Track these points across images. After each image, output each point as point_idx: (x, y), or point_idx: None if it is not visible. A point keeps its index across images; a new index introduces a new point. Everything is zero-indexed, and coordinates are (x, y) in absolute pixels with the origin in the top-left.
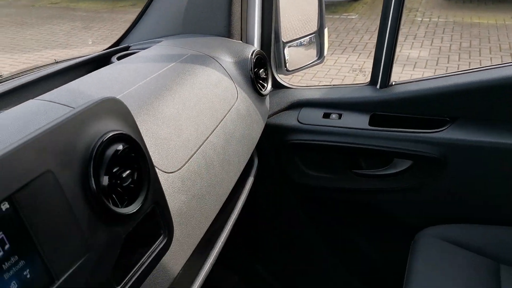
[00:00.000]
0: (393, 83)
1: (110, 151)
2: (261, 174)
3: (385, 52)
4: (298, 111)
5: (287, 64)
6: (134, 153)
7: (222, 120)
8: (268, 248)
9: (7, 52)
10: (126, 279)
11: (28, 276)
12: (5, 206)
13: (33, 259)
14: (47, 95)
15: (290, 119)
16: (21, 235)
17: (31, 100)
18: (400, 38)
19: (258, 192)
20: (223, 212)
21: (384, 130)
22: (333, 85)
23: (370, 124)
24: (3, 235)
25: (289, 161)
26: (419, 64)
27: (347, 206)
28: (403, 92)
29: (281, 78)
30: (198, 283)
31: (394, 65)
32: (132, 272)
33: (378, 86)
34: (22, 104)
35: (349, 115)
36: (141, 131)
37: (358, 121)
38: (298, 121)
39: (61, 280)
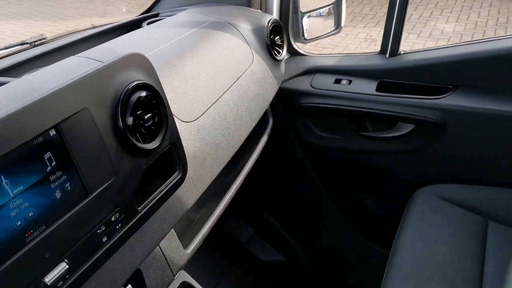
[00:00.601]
0: (402, 52)
1: (135, 96)
2: (275, 134)
3: (395, 23)
4: (311, 76)
5: (305, 34)
6: (155, 100)
7: (237, 80)
8: (280, 202)
9: (48, 20)
10: (146, 202)
11: (69, 188)
12: (53, 132)
13: (73, 175)
14: (85, 53)
15: (303, 84)
16: (64, 156)
17: (72, 56)
18: (436, 12)
19: (272, 150)
20: (237, 165)
21: (390, 95)
22: (345, 53)
23: (377, 90)
24: (50, 154)
25: (302, 123)
26: (453, 39)
27: (353, 165)
28: (410, 61)
29: (298, 46)
30: (209, 225)
31: (426, 38)
32: (151, 197)
33: (387, 55)
34: (64, 59)
35: (358, 82)
36: (163, 85)
37: (367, 87)
38: (311, 86)
39: (93, 195)
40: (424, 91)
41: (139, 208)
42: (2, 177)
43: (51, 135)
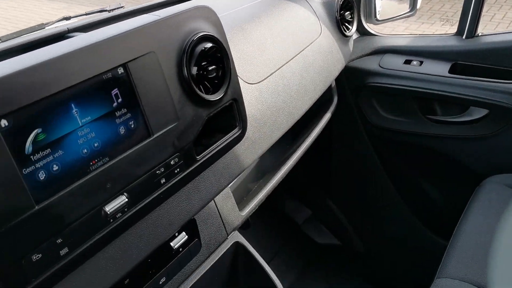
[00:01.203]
0: (479, 34)
1: (200, 47)
2: (338, 113)
3: (474, 2)
4: (380, 57)
5: (377, 14)
6: (220, 53)
7: (303, 50)
8: (339, 186)
9: None
10: (204, 153)
11: (132, 126)
12: (121, 70)
13: (137, 114)
14: (157, 12)
15: (372, 63)
16: (130, 94)
17: (145, 14)
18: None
19: (334, 130)
20: (298, 140)
21: (464, 78)
22: (418, 34)
23: (450, 72)
24: (117, 91)
25: (367, 103)
26: None
27: (418, 150)
28: (487, 43)
29: (369, 26)
30: (264, 192)
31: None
32: (209, 149)
33: (464, 37)
34: (139, 16)
35: (430, 63)
36: (229, 46)
37: (439, 68)
38: (380, 65)
39: (155, 136)
40: (501, 75)
41: (198, 157)
42: (72, 105)
43: (119, 73)
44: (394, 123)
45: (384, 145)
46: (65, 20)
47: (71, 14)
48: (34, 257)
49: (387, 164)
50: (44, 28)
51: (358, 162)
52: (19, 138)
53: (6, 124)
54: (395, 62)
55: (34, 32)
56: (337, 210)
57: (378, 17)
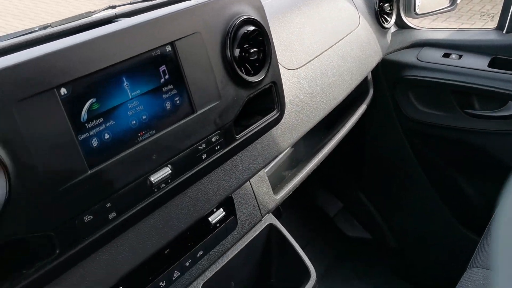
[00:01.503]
0: None
1: (243, 30)
2: (374, 105)
3: None
4: (418, 50)
5: (417, 8)
6: (261, 37)
7: (341, 40)
8: (372, 179)
9: None
10: (244, 133)
11: (178, 102)
12: (169, 48)
13: (182, 91)
14: None
15: (409, 56)
16: (176, 71)
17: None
18: None
19: (369, 121)
20: (331, 130)
21: (504, 72)
22: (458, 28)
23: (489, 66)
24: (165, 68)
25: (403, 96)
26: None
27: (454, 144)
28: None
29: (408, 20)
30: (299, 178)
31: None
32: (248, 129)
33: (504, 31)
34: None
35: (469, 56)
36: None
37: (478, 62)
38: (418, 58)
39: (198, 112)
40: None
41: (237, 136)
42: (124, 78)
43: (167, 50)
44: (430, 117)
45: (419, 139)
46: (111, 9)
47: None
48: (86, 218)
49: (421, 158)
50: (91, 15)
51: (392, 155)
52: (76, 106)
53: (65, 92)
54: (434, 55)
55: (82, 19)
56: (369, 203)
57: (417, 11)
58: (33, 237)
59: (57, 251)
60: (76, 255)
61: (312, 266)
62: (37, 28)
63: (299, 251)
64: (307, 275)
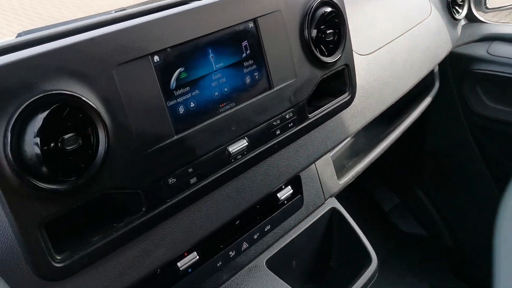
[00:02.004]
0: None
1: (321, 11)
2: (439, 99)
3: None
4: (489, 44)
5: (487, 2)
6: (337, 19)
7: (412, 28)
8: (431, 173)
9: None
10: (316, 112)
11: (257, 77)
12: (251, 24)
13: (261, 67)
14: None
15: (479, 50)
16: (257, 47)
17: None
18: None
19: (432, 114)
20: (394, 121)
21: None
22: None
23: None
24: (247, 43)
25: (471, 90)
26: None
27: None
28: None
29: (478, 13)
30: (362, 166)
31: None
32: (320, 109)
33: None
34: None
35: None
36: None
37: None
38: (488, 52)
39: (275, 89)
40: None
41: (309, 115)
42: (210, 50)
43: (249, 26)
44: (499, 113)
45: (486, 135)
46: None
47: None
48: (170, 181)
49: (486, 156)
50: None
51: (454, 151)
52: (167, 74)
53: (158, 60)
54: (505, 50)
55: (156, 2)
56: (427, 199)
57: (488, 5)
58: (124, 193)
59: (144, 209)
60: (159, 215)
61: (373, 252)
62: (113, 11)
63: (361, 236)
64: (368, 260)
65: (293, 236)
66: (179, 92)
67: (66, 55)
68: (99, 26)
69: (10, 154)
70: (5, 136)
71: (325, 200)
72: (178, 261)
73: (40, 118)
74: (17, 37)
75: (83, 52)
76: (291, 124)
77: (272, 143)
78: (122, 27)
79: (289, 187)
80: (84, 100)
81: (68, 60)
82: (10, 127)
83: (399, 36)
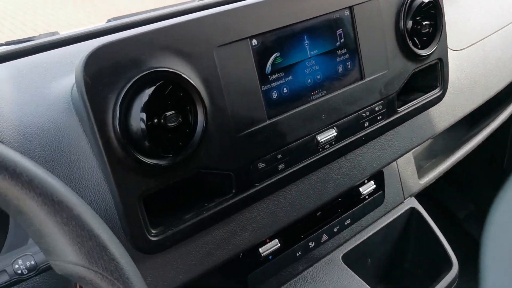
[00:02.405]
0: None
1: (418, 1)
2: None
3: None
4: None
5: None
6: (434, 10)
7: (507, 25)
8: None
9: None
10: (405, 107)
11: (349, 66)
12: (347, 12)
13: (354, 56)
14: None
15: None
16: (351, 36)
17: None
18: None
19: None
20: (476, 125)
21: None
22: None
23: None
24: (341, 31)
25: None
26: None
27: None
28: None
29: None
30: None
31: None
32: (410, 104)
33: None
34: None
35: None
36: None
37: None
38: None
39: (366, 80)
40: None
41: (398, 109)
42: (305, 37)
43: (345, 14)
44: None
45: None
46: None
47: None
48: (260, 165)
49: None
50: None
51: None
52: (263, 58)
53: (256, 43)
54: None
55: None
56: None
57: None
58: (216, 174)
59: (233, 191)
60: (247, 198)
61: (454, 256)
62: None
63: (442, 240)
64: (448, 265)
65: (370, 233)
66: (274, 77)
67: (172, 34)
68: (187, 12)
69: (118, 127)
70: (114, 110)
71: (404, 199)
72: (260, 247)
73: (146, 94)
74: (107, 22)
75: (187, 32)
76: (380, 117)
77: (360, 135)
78: (224, 9)
79: (372, 182)
80: (187, 79)
81: (173, 39)
82: (119, 102)
83: (493, 33)
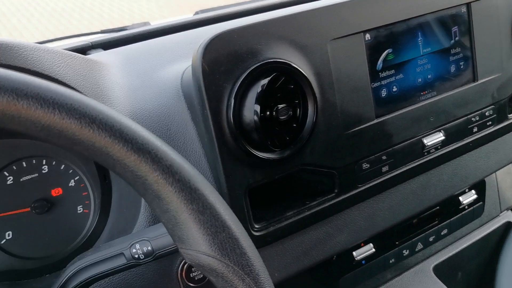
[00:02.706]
0: None
1: None
2: None
3: None
4: None
5: None
6: None
7: None
8: None
9: None
10: None
11: (462, 67)
12: (463, 9)
13: (468, 56)
14: None
15: None
16: (466, 34)
17: None
18: None
19: None
20: None
21: None
22: None
23: None
24: (457, 29)
25: None
26: None
27: None
28: None
29: None
30: None
31: None
32: None
33: None
34: None
35: None
36: None
37: None
38: None
39: (479, 82)
40: None
41: (509, 116)
42: (419, 33)
43: (462, 11)
44: None
45: None
46: None
47: None
48: (364, 165)
49: None
50: None
51: None
52: (375, 54)
53: (369, 38)
54: None
55: None
56: None
57: None
58: (320, 172)
59: (336, 191)
60: (349, 199)
61: None
62: None
63: None
64: None
65: (464, 246)
66: (384, 74)
67: (289, 24)
68: (281, 6)
69: (231, 117)
70: (228, 100)
71: (501, 212)
72: (354, 250)
73: (261, 85)
74: (194, 14)
75: (304, 23)
76: (490, 122)
77: (468, 140)
78: (338, 1)
79: (473, 191)
80: (301, 72)
81: (290, 30)
82: (235, 91)
83: None
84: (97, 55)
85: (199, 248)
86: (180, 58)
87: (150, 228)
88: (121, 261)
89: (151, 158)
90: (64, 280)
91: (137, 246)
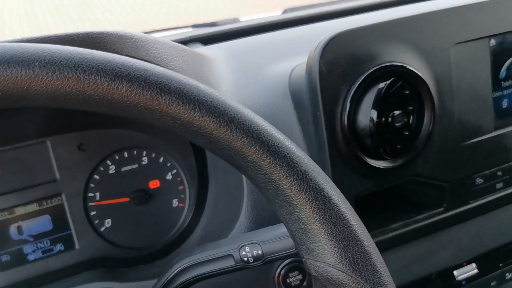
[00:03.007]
0: None
1: None
2: None
3: None
4: None
5: None
6: None
7: None
8: None
9: None
10: None
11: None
12: None
13: None
14: None
15: None
16: None
17: None
18: None
19: None
20: None
21: None
22: None
23: None
24: None
25: None
26: None
27: None
28: None
29: None
30: None
31: None
32: None
33: None
34: None
35: None
36: None
37: None
38: None
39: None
40: None
41: None
42: None
43: None
44: None
45: None
46: None
47: None
48: (478, 180)
49: None
50: None
51: None
52: (498, 61)
53: (494, 44)
54: None
55: None
56: None
57: None
58: (429, 184)
59: (444, 205)
60: (458, 215)
61: None
62: None
63: None
64: None
65: None
66: (507, 83)
67: (410, 26)
68: (381, 7)
69: (346, 121)
70: (344, 103)
71: None
72: (456, 269)
73: (378, 89)
74: (283, 13)
75: (426, 25)
76: None
77: None
78: (460, 3)
79: None
80: (422, 77)
81: (412, 32)
82: (351, 95)
83: None
84: (200, 50)
85: (328, 260)
86: (286, 56)
87: (258, 231)
88: (229, 263)
89: (286, 163)
90: (171, 275)
91: (247, 248)
